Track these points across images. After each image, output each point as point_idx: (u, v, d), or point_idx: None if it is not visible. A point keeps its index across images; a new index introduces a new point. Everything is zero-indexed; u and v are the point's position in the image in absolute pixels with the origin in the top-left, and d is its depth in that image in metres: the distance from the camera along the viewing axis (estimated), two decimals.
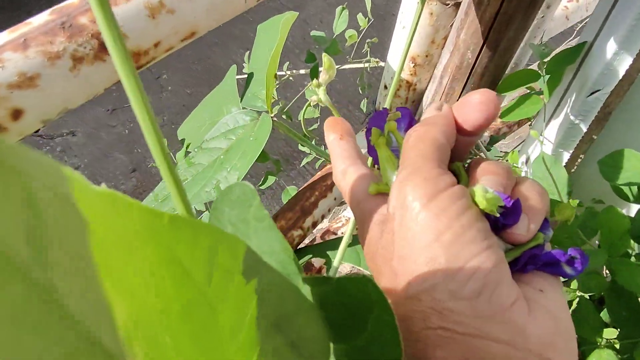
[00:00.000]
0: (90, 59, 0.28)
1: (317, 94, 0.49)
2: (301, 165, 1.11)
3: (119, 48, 0.14)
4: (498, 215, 0.21)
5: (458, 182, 0.23)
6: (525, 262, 0.22)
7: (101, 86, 0.29)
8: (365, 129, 0.29)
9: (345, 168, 0.27)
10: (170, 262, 0.11)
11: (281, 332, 0.16)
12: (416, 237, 0.20)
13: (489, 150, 0.80)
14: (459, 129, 0.24)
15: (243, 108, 0.64)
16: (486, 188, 0.22)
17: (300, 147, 1.09)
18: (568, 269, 0.22)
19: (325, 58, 0.56)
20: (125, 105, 1.79)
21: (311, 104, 0.56)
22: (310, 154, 1.01)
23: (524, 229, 0.22)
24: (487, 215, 0.22)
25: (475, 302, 0.19)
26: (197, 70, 1.97)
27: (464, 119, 0.24)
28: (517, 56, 0.92)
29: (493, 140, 0.82)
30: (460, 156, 0.26)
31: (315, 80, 0.56)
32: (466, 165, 0.26)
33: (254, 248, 0.18)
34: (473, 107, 0.24)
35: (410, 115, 0.27)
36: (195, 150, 0.63)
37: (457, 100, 0.59)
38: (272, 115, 0.61)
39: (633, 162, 0.52)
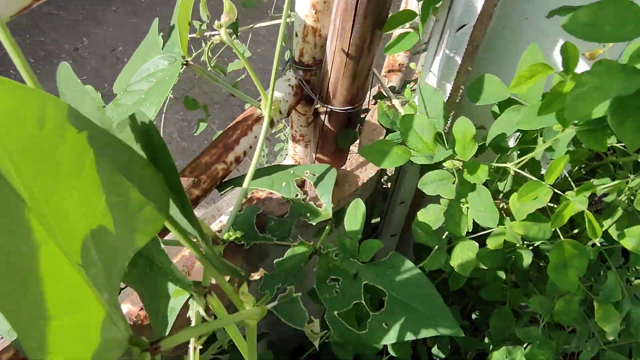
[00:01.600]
0: None
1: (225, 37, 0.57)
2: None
3: None
4: None
5: None
6: None
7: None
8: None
9: None
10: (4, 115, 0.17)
11: (126, 179, 0.22)
12: None
13: (399, 92, 0.89)
14: None
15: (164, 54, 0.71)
16: None
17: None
18: None
19: (225, 2, 0.65)
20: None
21: (213, 43, 0.64)
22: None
23: None
24: None
25: None
26: None
27: None
28: None
29: (405, 85, 0.91)
30: None
31: (216, 22, 0.64)
32: None
33: (87, 113, 0.23)
34: None
35: None
36: (121, 93, 0.71)
37: (349, 40, 0.67)
38: (190, 59, 0.68)
39: (492, 86, 0.61)
